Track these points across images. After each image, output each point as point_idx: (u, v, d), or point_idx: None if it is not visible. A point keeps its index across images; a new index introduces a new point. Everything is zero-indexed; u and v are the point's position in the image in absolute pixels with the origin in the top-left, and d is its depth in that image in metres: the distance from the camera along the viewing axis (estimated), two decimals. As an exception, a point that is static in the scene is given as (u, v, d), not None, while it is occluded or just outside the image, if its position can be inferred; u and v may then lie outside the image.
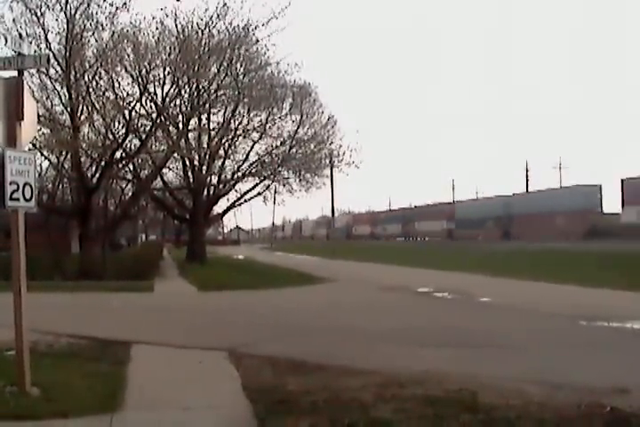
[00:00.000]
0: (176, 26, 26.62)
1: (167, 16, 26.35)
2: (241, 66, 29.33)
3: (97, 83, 25.19)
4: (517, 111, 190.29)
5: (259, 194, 36.80)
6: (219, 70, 27.93)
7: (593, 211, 60.08)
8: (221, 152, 33.11)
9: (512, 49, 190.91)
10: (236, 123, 32.50)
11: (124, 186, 37.69)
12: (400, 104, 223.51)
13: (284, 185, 36.19)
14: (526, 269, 24.92)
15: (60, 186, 34.87)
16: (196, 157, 32.15)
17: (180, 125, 29.33)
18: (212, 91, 28.46)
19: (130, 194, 35.61)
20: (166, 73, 26.32)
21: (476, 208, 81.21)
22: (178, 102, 28.40)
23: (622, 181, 57.10)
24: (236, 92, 29.44)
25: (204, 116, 31.83)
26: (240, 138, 33.50)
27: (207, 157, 32.05)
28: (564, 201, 62.64)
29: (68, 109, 25.01)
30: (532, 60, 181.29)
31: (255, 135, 33.62)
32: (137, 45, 25.31)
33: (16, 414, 5.66)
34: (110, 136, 26.51)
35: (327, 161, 35.87)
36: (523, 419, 5.60)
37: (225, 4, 26.41)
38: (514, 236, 65.32)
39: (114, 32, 24.27)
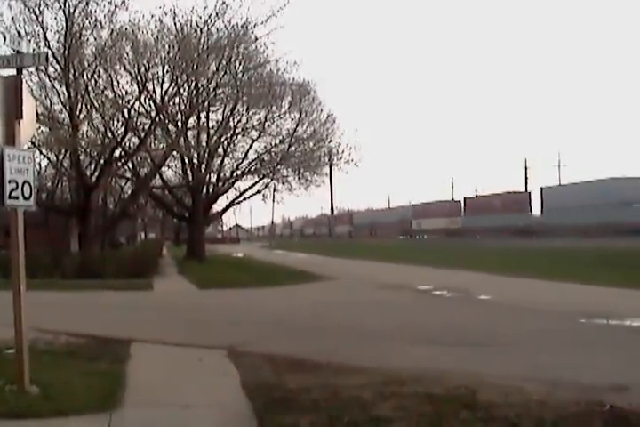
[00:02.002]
0: (175, 24, 26.59)
1: (166, 14, 26.32)
2: (240, 64, 29.30)
3: (96, 81, 25.20)
4: (519, 108, 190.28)
5: (258, 192, 36.76)
6: (218, 68, 27.90)
7: (406, 221, 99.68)
8: (220, 150, 33.07)
9: (512, 46, 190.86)
10: (235, 121, 32.46)
11: (123, 184, 37.74)
12: (400, 102, 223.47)
13: (283, 183, 36.13)
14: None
15: (60, 184, 34.91)
16: (195, 156, 32.11)
17: (179, 124, 29.31)
18: (211, 89, 28.44)
19: (129, 192, 35.66)
20: (165, 71, 26.31)
21: (362, 217, 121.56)
22: (177, 101, 28.40)
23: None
24: (235, 91, 29.40)
25: (202, 115, 31.79)
26: (239, 136, 33.49)
27: (206, 155, 32.02)
28: (393, 215, 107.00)
29: (67, 108, 24.99)
30: (532, 57, 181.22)
31: (254, 133, 33.60)
32: (136, 44, 25.28)
33: (15, 413, 5.66)
34: (109, 134, 26.52)
35: (326, 159, 35.82)
36: (522, 417, 5.60)
37: (224, 2, 26.38)
38: (376, 236, 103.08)
39: (113, 30, 24.27)
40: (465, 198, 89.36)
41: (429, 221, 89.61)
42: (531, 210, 69.77)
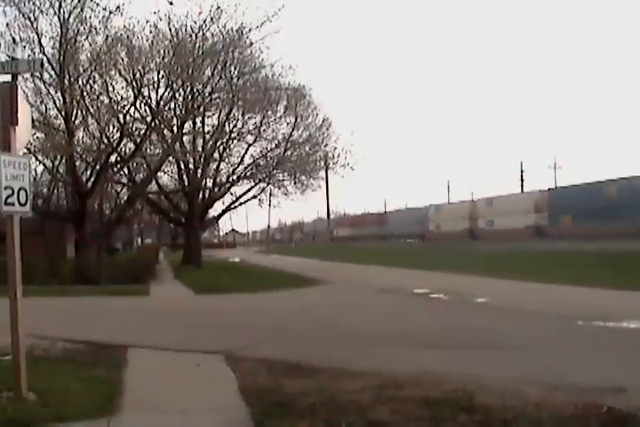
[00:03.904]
0: (170, 29, 26.60)
1: (161, 19, 26.31)
2: (235, 69, 29.36)
3: (91, 87, 25.19)
4: (514, 111, 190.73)
5: (254, 197, 36.82)
6: (213, 73, 27.93)
7: (330, 231, 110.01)
8: (216, 155, 33.15)
9: (508, 51, 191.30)
10: (231, 126, 32.52)
11: (119, 190, 37.70)
12: (395, 105, 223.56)
13: (279, 188, 36.21)
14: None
15: (55, 190, 34.91)
16: (191, 161, 32.15)
17: (175, 129, 29.31)
18: (207, 94, 28.45)
19: (125, 198, 35.62)
20: (160, 76, 26.33)
21: (309, 226, 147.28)
22: (172, 106, 28.40)
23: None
24: (231, 95, 29.42)
25: (198, 120, 31.85)
26: (235, 141, 33.55)
27: (202, 160, 32.06)
28: (322, 226, 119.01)
29: (63, 114, 25.00)
30: (528, 60, 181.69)
31: (250, 138, 33.68)
32: (131, 49, 25.28)
33: (13, 420, 5.63)
34: (105, 140, 26.50)
35: (322, 163, 35.89)
36: (520, 419, 5.60)
37: (218, 8, 26.42)
38: (316, 241, 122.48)
39: (108, 36, 24.26)
40: (359, 215, 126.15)
41: (340, 230, 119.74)
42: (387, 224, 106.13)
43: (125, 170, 31.24)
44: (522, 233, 66.14)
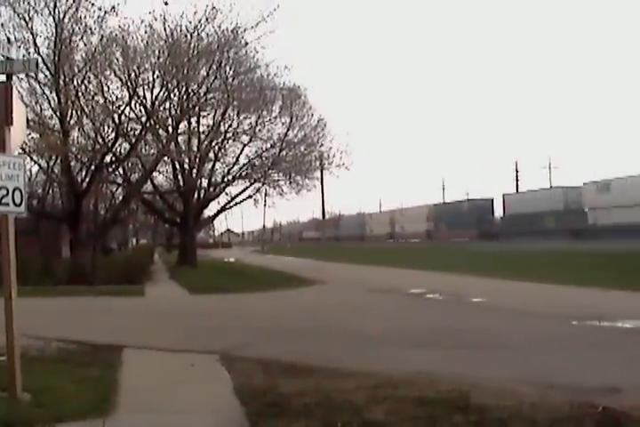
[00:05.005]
0: (165, 29, 26.55)
1: (156, 20, 26.24)
2: (230, 69, 29.32)
3: (86, 87, 25.09)
4: (510, 111, 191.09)
5: (249, 197, 36.76)
6: (208, 73, 27.89)
7: (300, 232, 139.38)
8: (211, 155, 33.08)
9: (504, 49, 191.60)
10: (226, 126, 32.47)
11: (114, 190, 37.62)
12: (391, 105, 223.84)
13: (274, 188, 36.16)
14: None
15: (50, 190, 34.80)
16: (186, 161, 32.08)
17: (170, 129, 29.24)
18: (202, 94, 28.41)
19: (120, 198, 35.54)
20: (155, 76, 26.25)
21: (286, 228, 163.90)
22: (167, 106, 28.35)
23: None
24: (226, 95, 29.39)
25: (193, 120, 31.79)
26: (230, 141, 33.48)
27: (197, 160, 31.98)
28: (298, 228, 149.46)
29: (58, 114, 24.90)
30: (526, 59, 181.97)
31: (245, 138, 33.62)
32: (126, 49, 25.22)
33: (7, 421, 5.62)
34: (100, 140, 26.40)
35: (317, 163, 35.90)
36: (515, 419, 5.61)
37: (214, 8, 26.37)
38: (290, 241, 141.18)
39: (103, 36, 24.18)
40: (320, 219, 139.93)
41: (308, 233, 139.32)
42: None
43: (120, 170, 31.12)
44: (421, 236, 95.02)
